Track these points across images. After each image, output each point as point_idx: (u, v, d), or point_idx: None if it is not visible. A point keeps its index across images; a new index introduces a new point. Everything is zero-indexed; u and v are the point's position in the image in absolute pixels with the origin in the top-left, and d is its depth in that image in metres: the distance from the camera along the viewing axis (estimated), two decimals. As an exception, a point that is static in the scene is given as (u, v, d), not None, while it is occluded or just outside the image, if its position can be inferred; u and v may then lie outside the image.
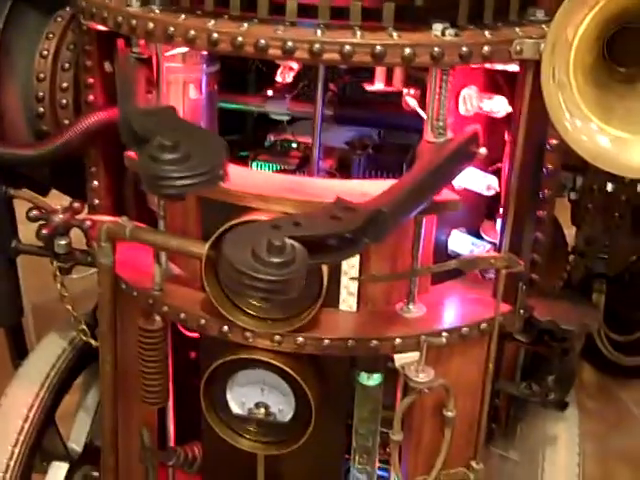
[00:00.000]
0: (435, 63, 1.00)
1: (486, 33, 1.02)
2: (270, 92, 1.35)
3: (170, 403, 1.33)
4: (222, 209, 1.10)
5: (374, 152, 1.35)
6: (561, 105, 0.97)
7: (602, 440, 2.01)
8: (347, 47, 0.97)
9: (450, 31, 1.00)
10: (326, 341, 1.12)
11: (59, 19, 1.34)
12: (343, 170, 1.33)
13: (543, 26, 1.04)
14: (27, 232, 1.42)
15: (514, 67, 1.08)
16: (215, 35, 1.00)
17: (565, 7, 0.93)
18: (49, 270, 1.40)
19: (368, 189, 1.07)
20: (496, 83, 1.19)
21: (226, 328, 1.14)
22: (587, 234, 1.40)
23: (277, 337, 1.12)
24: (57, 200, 1.39)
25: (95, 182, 1.32)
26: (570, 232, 1.45)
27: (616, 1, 0.93)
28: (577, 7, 0.93)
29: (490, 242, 1.24)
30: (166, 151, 0.90)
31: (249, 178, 1.09)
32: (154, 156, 0.89)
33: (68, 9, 1.34)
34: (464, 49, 0.99)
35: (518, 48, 1.01)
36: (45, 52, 1.32)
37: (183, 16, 1.04)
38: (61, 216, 1.29)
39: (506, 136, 1.16)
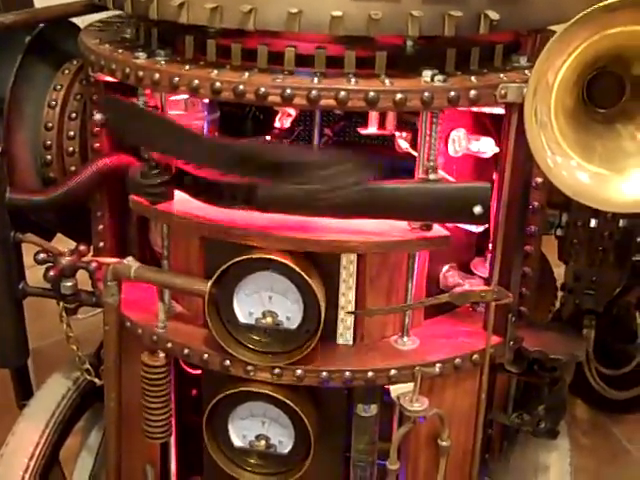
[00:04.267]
0: (425, 107, 1.05)
1: (472, 78, 1.07)
2: (268, 137, 1.40)
3: (172, 439, 1.36)
4: (224, 248, 1.15)
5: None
6: (543, 144, 1.02)
7: (596, 476, 2.03)
8: (342, 93, 1.03)
9: (439, 77, 1.05)
10: (324, 373, 1.16)
11: (66, 71, 1.40)
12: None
13: (526, 71, 1.10)
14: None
15: (500, 110, 1.13)
16: (218, 84, 1.05)
17: (545, 54, 0.98)
18: (48, 316, 1.43)
19: (364, 227, 1.13)
20: (483, 125, 1.24)
21: (228, 362, 1.18)
22: (574, 270, 1.44)
23: (277, 370, 1.16)
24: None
25: (100, 226, 1.37)
26: (559, 271, 1.50)
27: (591, 48, 0.98)
28: (556, 54, 0.98)
29: (480, 277, 1.28)
30: (324, 167, 1.01)
31: (250, 218, 1.14)
32: (315, 173, 1.02)
33: (74, 62, 1.41)
34: (452, 93, 1.04)
35: (502, 92, 1.06)
36: (53, 102, 1.38)
37: (187, 67, 1.09)
38: (68, 258, 1.32)
39: (494, 175, 1.21)
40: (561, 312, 1.61)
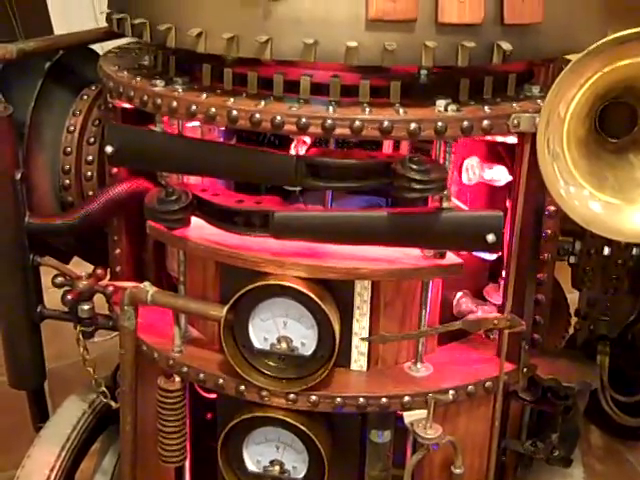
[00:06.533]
0: (439, 136, 1.06)
1: (486, 108, 1.08)
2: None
3: (187, 464, 1.36)
4: (240, 274, 1.16)
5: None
6: (556, 174, 1.03)
7: (611, 503, 2.02)
8: (357, 122, 1.04)
9: (452, 107, 1.06)
10: (338, 399, 1.16)
11: (85, 97, 1.42)
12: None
13: (539, 101, 1.10)
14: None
15: (513, 139, 1.13)
16: (234, 112, 1.06)
17: (556, 87, 0.99)
18: (64, 337, 1.43)
19: (377, 254, 1.14)
20: (497, 154, 1.25)
21: (243, 388, 1.18)
22: (589, 297, 1.44)
23: (292, 396, 1.16)
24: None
25: (117, 250, 1.38)
26: (573, 297, 1.50)
27: (603, 80, 0.99)
28: (567, 86, 0.99)
29: (494, 304, 1.29)
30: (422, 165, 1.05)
31: (265, 244, 1.15)
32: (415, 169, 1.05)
33: (93, 88, 1.43)
34: (465, 123, 1.05)
35: (515, 122, 1.07)
36: (72, 127, 1.40)
37: (204, 95, 1.10)
38: (85, 282, 1.34)
39: (507, 203, 1.22)
40: (575, 338, 1.61)
